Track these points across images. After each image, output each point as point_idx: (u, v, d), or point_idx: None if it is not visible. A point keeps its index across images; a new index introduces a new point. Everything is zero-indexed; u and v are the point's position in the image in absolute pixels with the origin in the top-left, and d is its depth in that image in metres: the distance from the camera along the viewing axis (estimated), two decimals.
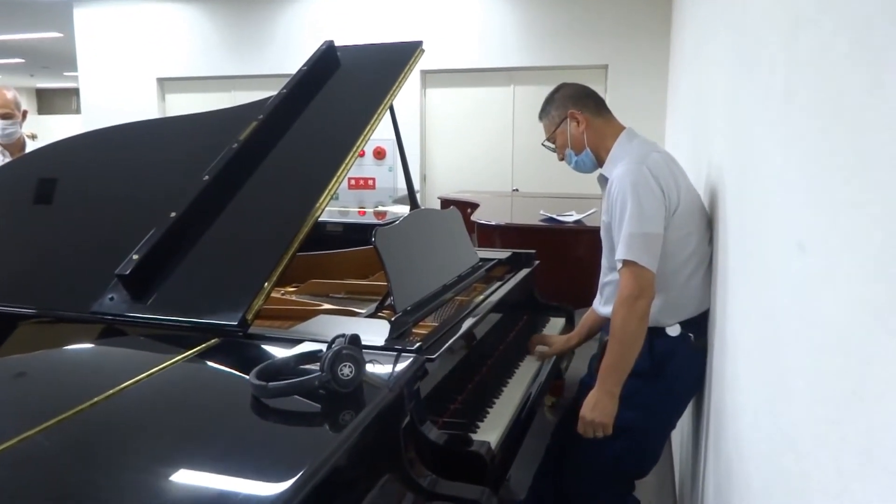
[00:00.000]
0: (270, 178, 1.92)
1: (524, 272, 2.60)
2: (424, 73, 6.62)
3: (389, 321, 1.66)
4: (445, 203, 5.06)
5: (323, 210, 1.79)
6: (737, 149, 1.53)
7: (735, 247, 1.52)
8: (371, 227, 1.88)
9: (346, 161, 1.93)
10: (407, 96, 6.57)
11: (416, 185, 6.54)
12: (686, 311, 1.78)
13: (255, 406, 1.05)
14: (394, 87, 2.18)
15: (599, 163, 1.92)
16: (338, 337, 1.11)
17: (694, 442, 1.98)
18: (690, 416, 1.94)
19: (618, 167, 1.78)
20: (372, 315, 1.86)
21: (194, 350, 1.32)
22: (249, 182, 1.91)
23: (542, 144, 2.02)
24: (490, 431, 1.60)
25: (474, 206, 4.37)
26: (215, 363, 1.35)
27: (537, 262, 2.72)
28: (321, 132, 2.12)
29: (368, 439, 1.06)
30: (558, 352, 2.25)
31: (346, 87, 2.27)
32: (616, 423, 1.80)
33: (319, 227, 4.02)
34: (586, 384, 2.08)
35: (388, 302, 1.77)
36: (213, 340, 1.38)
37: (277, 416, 1.06)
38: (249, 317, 1.49)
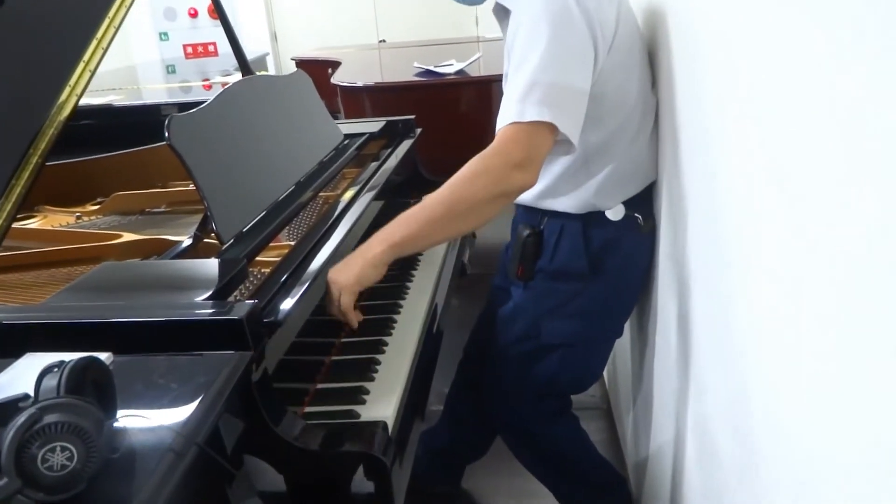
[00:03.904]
0: None
1: (405, 145, 2.04)
2: None
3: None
4: (300, 65, 4.28)
5: (75, 104, 1.14)
6: None
7: (685, 90, 1.03)
8: None
9: (109, 18, 1.25)
10: None
11: (266, 48, 5.63)
12: (631, 186, 1.31)
13: None
14: None
15: None
16: (47, 371, 0.54)
17: (638, 341, 1.60)
18: (635, 311, 1.54)
19: None
20: (192, 246, 1.27)
21: None
22: None
23: None
24: (384, 397, 1.12)
25: (336, 65, 3.66)
26: None
27: (419, 129, 2.16)
28: None
29: None
30: None
31: None
32: (545, 340, 1.38)
33: (151, 112, 3.27)
34: (497, 286, 1.63)
35: (211, 225, 1.21)
36: None
37: None
38: None
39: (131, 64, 5.31)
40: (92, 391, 0.56)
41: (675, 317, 1.24)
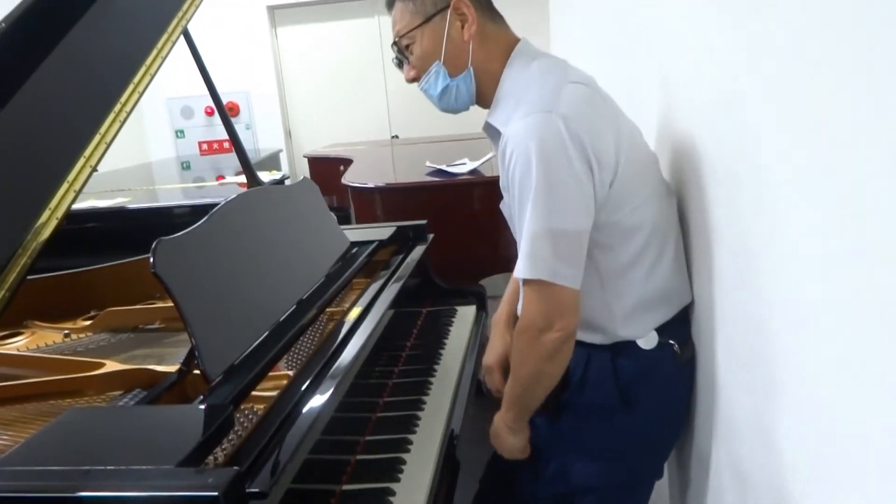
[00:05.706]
0: None
1: (417, 252, 1.94)
2: (271, 9, 5.64)
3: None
4: (313, 162, 4.29)
5: (55, 227, 1.05)
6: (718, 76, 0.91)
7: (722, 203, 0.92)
8: None
9: (101, 134, 1.18)
10: (254, 39, 5.61)
11: (280, 144, 5.69)
12: (661, 312, 1.18)
13: None
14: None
15: (481, 99, 1.23)
16: None
17: (678, 480, 1.42)
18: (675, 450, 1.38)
19: (514, 118, 1.10)
20: (179, 381, 1.14)
21: None
22: None
23: (392, 46, 1.23)
24: None
25: (349, 162, 3.63)
26: None
27: (431, 235, 2.06)
28: (70, 86, 1.33)
29: None
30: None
31: (109, 23, 1.47)
32: (576, 483, 1.22)
33: (162, 215, 3.19)
34: None
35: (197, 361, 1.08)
36: None
37: None
38: None
39: (147, 161, 5.38)
40: None
41: (724, 458, 1.08)
